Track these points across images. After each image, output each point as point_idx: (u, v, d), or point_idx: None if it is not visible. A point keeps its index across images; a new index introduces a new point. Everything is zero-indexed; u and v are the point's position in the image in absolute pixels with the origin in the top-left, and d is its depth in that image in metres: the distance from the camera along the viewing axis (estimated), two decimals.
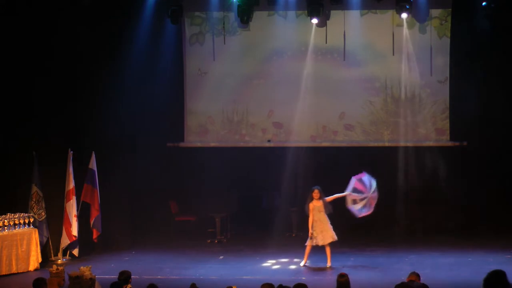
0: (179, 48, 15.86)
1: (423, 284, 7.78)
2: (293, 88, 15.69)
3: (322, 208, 12.47)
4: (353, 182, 12.51)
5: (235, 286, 7.80)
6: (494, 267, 12.29)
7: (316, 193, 12.49)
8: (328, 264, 12.49)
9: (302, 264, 12.61)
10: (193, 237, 15.15)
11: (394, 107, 15.72)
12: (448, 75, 15.45)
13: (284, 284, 7.38)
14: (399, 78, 15.58)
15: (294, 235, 15.37)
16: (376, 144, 15.71)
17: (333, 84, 15.70)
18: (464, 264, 12.56)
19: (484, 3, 14.61)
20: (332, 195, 12.53)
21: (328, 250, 12.52)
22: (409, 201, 15.43)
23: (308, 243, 12.51)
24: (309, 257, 12.59)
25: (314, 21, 15.04)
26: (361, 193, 12.51)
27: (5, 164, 13.27)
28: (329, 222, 12.51)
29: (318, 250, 12.60)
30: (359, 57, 15.66)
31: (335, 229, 12.57)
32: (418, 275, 8.10)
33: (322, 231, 12.46)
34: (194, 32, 15.97)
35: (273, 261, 13.11)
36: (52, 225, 13.50)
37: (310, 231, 12.49)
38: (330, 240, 12.47)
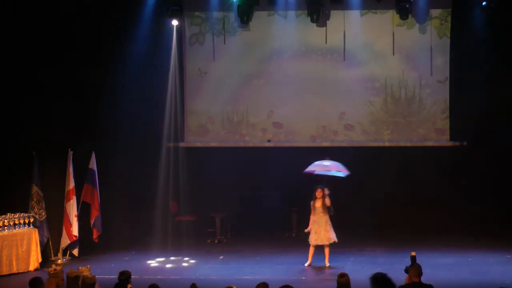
0: (179, 48, 15.87)
1: (429, 284, 7.77)
2: (293, 88, 15.71)
3: (321, 209, 12.45)
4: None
5: (235, 286, 7.79)
6: (494, 267, 12.37)
7: (318, 192, 12.47)
8: (326, 263, 12.49)
9: (306, 264, 12.59)
10: (193, 237, 15.14)
11: (394, 107, 15.72)
12: (448, 75, 15.47)
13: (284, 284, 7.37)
14: (399, 78, 15.60)
15: (294, 235, 15.39)
16: (376, 144, 15.71)
17: (333, 84, 15.71)
18: (464, 264, 12.56)
19: (484, 3, 14.62)
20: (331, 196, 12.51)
21: (326, 250, 12.51)
22: (409, 201, 15.43)
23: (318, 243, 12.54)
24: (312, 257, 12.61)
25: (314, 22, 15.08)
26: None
27: (5, 164, 13.27)
28: (329, 224, 12.47)
29: (318, 250, 12.59)
30: (359, 57, 15.68)
31: (336, 228, 12.55)
32: (419, 268, 7.97)
33: (316, 231, 12.45)
34: (194, 32, 15.98)
35: (274, 261, 13.13)
36: (52, 225, 13.51)
37: (308, 229, 12.53)
38: (322, 243, 12.45)
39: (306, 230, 12.61)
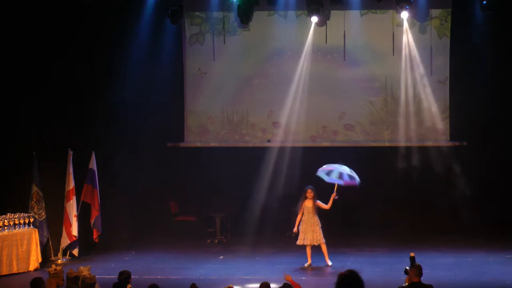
0: (179, 48, 15.87)
1: (429, 284, 7.77)
2: (293, 88, 15.71)
3: (312, 210, 12.45)
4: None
5: (231, 285, 7.81)
6: (494, 267, 12.35)
7: (309, 193, 12.48)
8: (327, 262, 12.49)
9: (306, 264, 12.58)
10: (193, 237, 15.15)
11: (394, 107, 15.72)
12: (448, 75, 15.47)
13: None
14: (399, 78, 15.58)
15: (294, 235, 15.36)
16: (376, 144, 15.71)
17: (333, 84, 15.71)
18: (464, 264, 12.57)
19: (484, 2, 14.59)
20: (330, 196, 12.49)
21: (323, 249, 12.51)
22: (409, 201, 15.43)
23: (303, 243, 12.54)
24: (311, 257, 12.61)
25: (314, 19, 15.02)
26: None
27: (5, 164, 13.27)
28: (319, 225, 12.49)
29: (319, 249, 12.59)
30: (359, 57, 15.68)
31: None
32: (419, 268, 7.96)
33: (303, 231, 12.47)
34: (194, 32, 15.98)
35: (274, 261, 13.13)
36: (52, 225, 13.51)
37: (295, 229, 12.54)
38: (306, 243, 12.47)
39: (294, 230, 12.63)
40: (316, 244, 12.48)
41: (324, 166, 12.48)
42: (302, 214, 12.54)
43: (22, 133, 13.46)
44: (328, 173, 12.37)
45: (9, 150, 13.36)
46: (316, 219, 12.47)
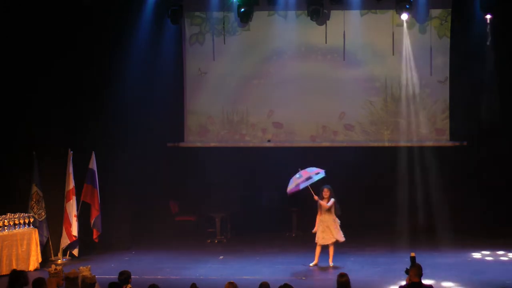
0: (179, 48, 15.87)
1: (429, 284, 7.77)
2: (293, 88, 15.72)
3: (328, 208, 12.43)
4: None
5: (233, 281, 7.80)
6: (494, 267, 12.34)
7: (325, 192, 12.46)
8: (330, 263, 12.48)
9: (312, 264, 12.56)
10: (193, 237, 15.16)
11: (394, 107, 15.73)
12: (448, 75, 15.48)
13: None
14: (399, 78, 15.60)
15: (294, 235, 15.39)
16: (376, 144, 15.72)
17: (333, 84, 15.71)
18: (464, 264, 12.56)
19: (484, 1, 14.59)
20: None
21: (331, 249, 12.50)
22: (409, 200, 15.43)
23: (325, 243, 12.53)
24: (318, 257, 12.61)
25: (314, 17, 15.04)
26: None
27: (5, 164, 13.27)
28: (337, 223, 12.48)
29: (325, 249, 12.57)
30: (359, 57, 15.69)
31: None
32: (419, 268, 7.96)
33: (323, 231, 12.45)
34: (194, 32, 15.99)
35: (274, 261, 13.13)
36: (52, 225, 13.50)
37: (315, 228, 12.51)
38: (328, 242, 12.44)
39: (313, 231, 12.59)
40: (342, 240, 12.44)
41: (299, 181, 12.46)
42: (321, 214, 12.50)
43: (22, 133, 13.46)
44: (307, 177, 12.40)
45: (9, 150, 13.35)
46: (334, 217, 12.42)
